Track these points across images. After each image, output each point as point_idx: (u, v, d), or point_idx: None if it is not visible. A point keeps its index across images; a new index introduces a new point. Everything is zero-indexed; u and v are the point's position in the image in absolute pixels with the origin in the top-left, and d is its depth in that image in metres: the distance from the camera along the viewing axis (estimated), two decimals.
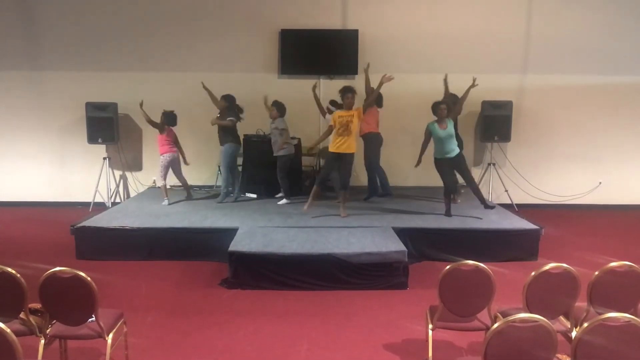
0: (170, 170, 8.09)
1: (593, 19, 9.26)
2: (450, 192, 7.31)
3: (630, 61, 9.39)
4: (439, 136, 6.99)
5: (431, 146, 7.22)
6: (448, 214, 7.28)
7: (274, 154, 8.03)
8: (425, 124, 7.24)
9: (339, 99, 7.45)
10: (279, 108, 7.98)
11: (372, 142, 8.01)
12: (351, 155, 7.11)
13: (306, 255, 5.83)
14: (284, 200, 8.11)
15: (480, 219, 7.12)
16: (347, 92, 7.08)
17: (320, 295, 5.56)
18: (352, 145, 7.05)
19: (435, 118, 7.06)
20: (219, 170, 8.47)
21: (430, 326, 3.87)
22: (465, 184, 7.35)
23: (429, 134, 7.07)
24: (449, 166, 7.10)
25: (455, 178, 7.34)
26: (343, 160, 7.11)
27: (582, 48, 9.33)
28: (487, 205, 7.16)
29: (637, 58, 9.38)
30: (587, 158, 9.62)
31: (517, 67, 9.43)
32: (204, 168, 9.38)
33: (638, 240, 7.81)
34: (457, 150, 7.07)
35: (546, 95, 9.48)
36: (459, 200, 8.02)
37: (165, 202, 7.97)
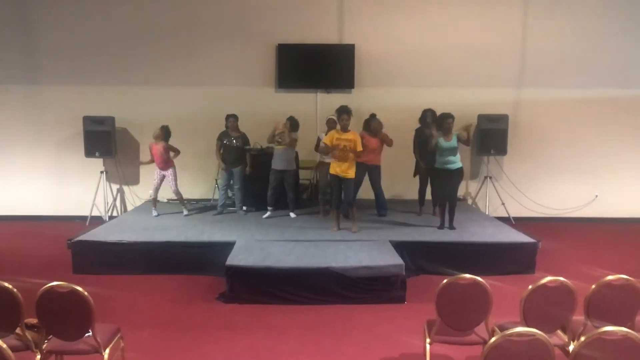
0: (165, 184, 8.22)
1: (588, 34, 9.35)
2: (441, 204, 7.37)
3: (625, 75, 9.46)
4: (441, 147, 7.04)
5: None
6: (442, 225, 7.30)
7: (287, 168, 7.96)
8: None
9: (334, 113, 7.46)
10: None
11: (378, 173, 7.89)
12: (351, 179, 7.08)
13: (303, 269, 5.82)
14: (293, 214, 8.15)
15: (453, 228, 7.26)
16: (343, 112, 6.97)
17: (318, 310, 5.55)
18: (352, 171, 7.02)
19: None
20: (217, 185, 8.46)
21: (427, 340, 3.87)
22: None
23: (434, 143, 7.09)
24: (444, 178, 7.13)
25: (445, 193, 7.31)
26: (343, 183, 7.08)
27: (578, 62, 9.41)
28: (452, 227, 7.23)
29: (631, 72, 9.46)
30: (583, 171, 9.66)
31: (512, 81, 9.50)
32: (201, 182, 9.38)
33: (634, 253, 7.82)
34: (457, 165, 7.09)
35: (542, 108, 9.54)
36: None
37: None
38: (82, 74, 9.37)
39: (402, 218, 8.05)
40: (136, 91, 9.43)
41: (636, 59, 9.43)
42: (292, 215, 8.13)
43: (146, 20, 9.29)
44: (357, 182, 7.69)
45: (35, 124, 9.52)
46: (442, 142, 7.03)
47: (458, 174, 7.14)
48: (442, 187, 7.26)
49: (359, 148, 6.93)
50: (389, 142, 7.76)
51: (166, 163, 8.03)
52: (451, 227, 7.25)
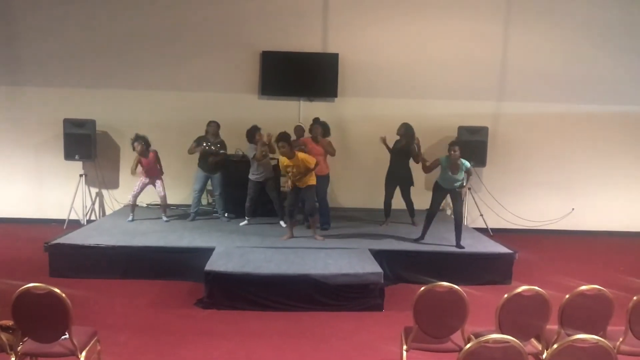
0: (147, 189, 8.18)
1: (567, 50, 9.52)
2: (428, 217, 7.35)
3: (602, 91, 9.63)
4: (447, 177, 6.93)
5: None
6: (422, 237, 7.34)
7: (266, 178, 7.94)
8: None
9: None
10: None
11: (324, 183, 7.81)
12: (308, 187, 7.04)
13: (283, 276, 5.83)
14: (283, 223, 8.03)
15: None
16: (281, 139, 6.75)
17: (296, 317, 5.56)
18: (307, 179, 6.97)
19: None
20: (200, 193, 8.45)
21: (404, 347, 3.90)
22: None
23: (437, 163, 6.95)
24: (444, 193, 7.11)
25: (438, 207, 7.31)
26: (302, 192, 7.06)
27: (556, 77, 9.57)
28: (459, 245, 7.02)
29: (608, 88, 9.64)
30: (560, 185, 9.80)
31: (493, 94, 9.63)
32: (182, 187, 9.32)
33: (607, 264, 7.97)
34: (458, 184, 6.99)
35: (521, 122, 9.68)
36: (416, 225, 8.11)
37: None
38: (64, 76, 9.28)
39: (381, 227, 8.11)
40: (118, 95, 9.36)
41: (615, 76, 9.61)
42: (283, 224, 7.95)
43: (130, 24, 9.23)
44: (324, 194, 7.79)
45: (15, 125, 9.38)
46: (450, 174, 6.87)
47: (457, 192, 7.01)
48: (435, 201, 7.16)
49: (311, 165, 6.88)
50: (331, 152, 7.69)
51: (157, 171, 8.04)
52: (459, 247, 7.00)
